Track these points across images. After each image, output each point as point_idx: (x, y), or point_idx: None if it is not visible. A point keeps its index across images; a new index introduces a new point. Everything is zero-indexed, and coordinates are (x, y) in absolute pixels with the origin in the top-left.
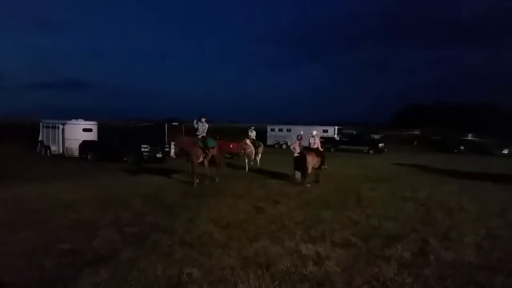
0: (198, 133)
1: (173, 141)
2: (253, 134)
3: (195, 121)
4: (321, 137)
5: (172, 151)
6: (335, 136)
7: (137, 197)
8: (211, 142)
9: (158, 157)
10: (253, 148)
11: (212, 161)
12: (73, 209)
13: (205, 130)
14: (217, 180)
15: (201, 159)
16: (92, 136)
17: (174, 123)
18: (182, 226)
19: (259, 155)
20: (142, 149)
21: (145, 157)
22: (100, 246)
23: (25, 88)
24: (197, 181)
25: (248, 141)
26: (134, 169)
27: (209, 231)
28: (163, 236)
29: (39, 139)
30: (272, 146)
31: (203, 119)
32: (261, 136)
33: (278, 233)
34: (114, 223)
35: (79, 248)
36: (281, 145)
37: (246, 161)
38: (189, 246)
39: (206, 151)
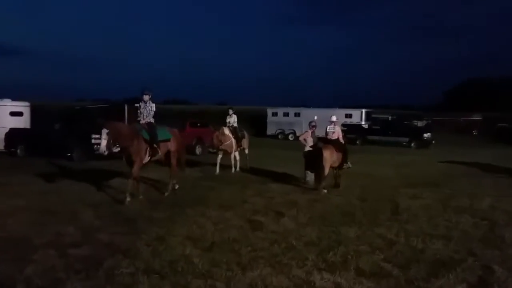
0: (139, 118)
1: (105, 128)
2: (232, 119)
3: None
4: (342, 125)
5: (104, 143)
6: (363, 123)
7: (86, 206)
8: (163, 134)
9: (114, 151)
10: (233, 140)
11: (168, 162)
12: None
13: (151, 113)
14: (168, 190)
15: (146, 159)
16: (23, 122)
17: (136, 104)
18: (148, 248)
19: (246, 150)
20: (93, 141)
21: (97, 152)
22: (35, 274)
23: None
24: (128, 198)
25: (226, 130)
26: (82, 168)
27: (186, 254)
28: (122, 261)
29: None
30: (275, 136)
31: (146, 96)
32: (259, 122)
33: (282, 257)
34: (54, 243)
35: (6, 277)
36: (286, 136)
37: (233, 159)
38: (159, 275)
39: (155, 146)
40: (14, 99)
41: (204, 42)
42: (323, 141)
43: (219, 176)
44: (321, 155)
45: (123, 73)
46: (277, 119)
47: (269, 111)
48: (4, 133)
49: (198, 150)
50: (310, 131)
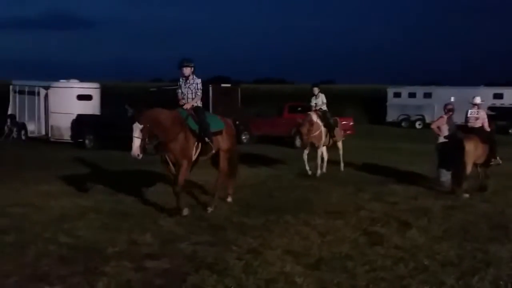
0: (181, 101)
1: (138, 120)
2: (319, 99)
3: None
4: (489, 108)
5: (136, 144)
6: None
7: (165, 210)
8: (215, 122)
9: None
10: (323, 129)
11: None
12: (64, 227)
13: (198, 93)
14: (229, 199)
15: (194, 157)
16: (92, 107)
17: (224, 85)
18: (240, 262)
19: (340, 143)
20: None
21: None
22: None
23: None
24: (186, 210)
25: (314, 117)
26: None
27: (286, 272)
28: (208, 278)
29: (9, 112)
30: (397, 123)
31: (188, 69)
32: (375, 106)
33: (410, 280)
34: (128, 253)
35: None
36: (413, 123)
37: (320, 157)
38: None
39: (207, 140)
40: (82, 79)
41: (302, 8)
42: (464, 130)
43: (325, 175)
44: (462, 148)
45: (206, 47)
46: (401, 101)
47: (390, 91)
48: (70, 121)
49: (298, 141)
50: (445, 117)
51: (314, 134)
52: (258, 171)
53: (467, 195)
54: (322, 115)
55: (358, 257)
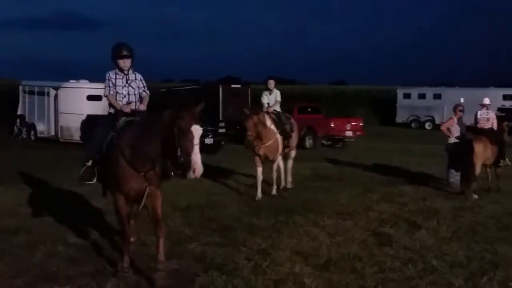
0: (119, 105)
1: (198, 120)
2: (272, 97)
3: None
4: (499, 109)
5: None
6: None
7: (174, 211)
8: None
9: (207, 144)
10: (279, 137)
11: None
12: (73, 228)
13: (146, 92)
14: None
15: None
16: (102, 107)
17: (234, 85)
18: (249, 263)
19: (293, 153)
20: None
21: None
22: None
23: None
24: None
25: (267, 119)
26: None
27: (295, 272)
28: (217, 279)
29: (18, 112)
30: (407, 125)
31: (128, 60)
32: (385, 107)
33: (419, 281)
34: (137, 253)
35: None
36: (422, 124)
37: (276, 171)
38: None
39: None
40: (91, 80)
41: (313, 9)
42: (473, 131)
43: (334, 176)
44: (471, 149)
45: (216, 47)
46: (410, 102)
47: (400, 92)
48: (80, 121)
49: (308, 142)
50: (455, 118)
51: (268, 143)
52: (267, 172)
53: (476, 196)
54: (276, 118)
55: (367, 258)
